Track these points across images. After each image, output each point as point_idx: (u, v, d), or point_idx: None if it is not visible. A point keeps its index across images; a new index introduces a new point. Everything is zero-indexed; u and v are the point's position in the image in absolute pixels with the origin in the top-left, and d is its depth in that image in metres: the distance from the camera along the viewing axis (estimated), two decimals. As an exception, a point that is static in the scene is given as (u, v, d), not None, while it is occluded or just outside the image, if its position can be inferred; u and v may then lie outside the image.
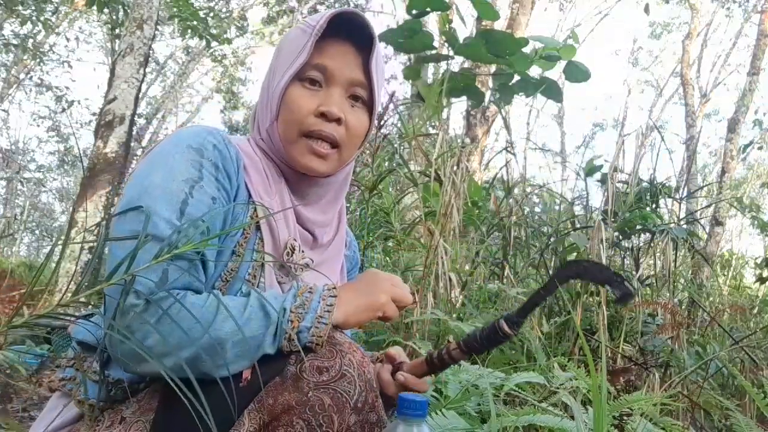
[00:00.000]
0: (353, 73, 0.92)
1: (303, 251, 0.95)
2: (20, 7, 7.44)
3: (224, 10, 11.87)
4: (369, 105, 0.96)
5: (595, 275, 0.89)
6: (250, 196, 0.89)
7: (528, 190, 3.86)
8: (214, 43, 8.60)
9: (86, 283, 0.74)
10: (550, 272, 2.78)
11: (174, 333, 0.74)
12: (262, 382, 0.76)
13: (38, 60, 11.46)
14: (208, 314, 0.75)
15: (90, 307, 0.97)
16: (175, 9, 7.49)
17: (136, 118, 5.11)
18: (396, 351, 1.01)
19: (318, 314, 0.79)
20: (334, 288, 0.84)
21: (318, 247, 1.00)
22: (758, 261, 4.12)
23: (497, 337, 0.91)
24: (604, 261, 2.18)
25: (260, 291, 0.83)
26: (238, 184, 0.88)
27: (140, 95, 4.57)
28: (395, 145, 2.92)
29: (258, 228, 0.90)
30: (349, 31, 0.92)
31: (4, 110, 13.43)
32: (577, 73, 3.40)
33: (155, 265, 0.75)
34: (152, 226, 0.77)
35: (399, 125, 3.18)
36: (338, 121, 0.91)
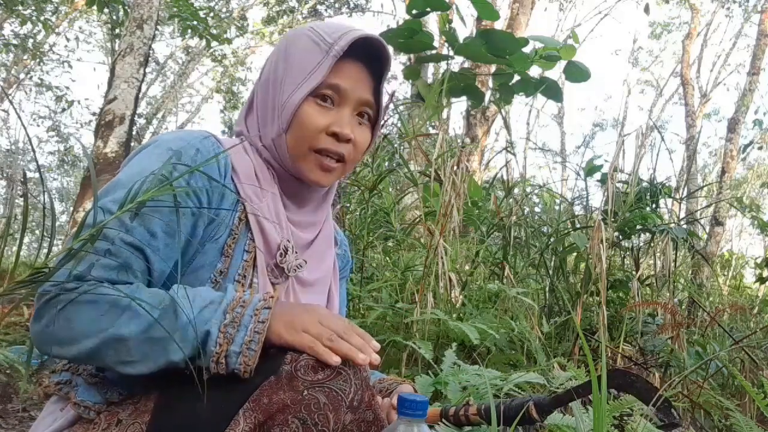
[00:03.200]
0: (364, 95, 0.94)
1: (296, 252, 0.95)
2: (20, 7, 7.44)
3: (224, 10, 11.88)
4: (373, 122, 0.98)
5: (642, 393, 0.87)
6: (238, 199, 0.90)
7: (528, 190, 3.86)
8: (214, 43, 8.60)
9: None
10: (550, 272, 2.78)
11: (79, 321, 0.75)
12: (257, 382, 0.75)
13: (38, 60, 11.46)
14: (117, 308, 0.75)
15: None
16: (175, 9, 7.49)
17: (136, 118, 5.12)
18: (408, 390, 1.02)
19: (248, 338, 0.76)
20: (271, 298, 0.81)
21: (310, 248, 1.01)
22: (758, 261, 4.12)
23: (521, 418, 0.90)
24: (604, 261, 2.18)
25: (189, 289, 0.79)
26: (224, 188, 0.88)
27: (140, 95, 4.57)
28: (395, 145, 2.91)
29: (249, 229, 0.90)
30: (363, 51, 0.93)
31: (4, 110, 13.43)
32: (577, 73, 3.40)
33: (81, 255, 0.76)
34: (98, 216, 0.78)
35: (399, 125, 3.18)
36: (348, 140, 0.93)
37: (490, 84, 4.44)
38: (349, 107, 0.93)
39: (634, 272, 2.69)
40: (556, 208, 3.54)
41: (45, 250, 0.78)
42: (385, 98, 0.97)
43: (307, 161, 0.92)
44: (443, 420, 0.96)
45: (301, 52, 0.93)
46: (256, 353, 0.76)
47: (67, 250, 0.74)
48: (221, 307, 0.78)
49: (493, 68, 3.68)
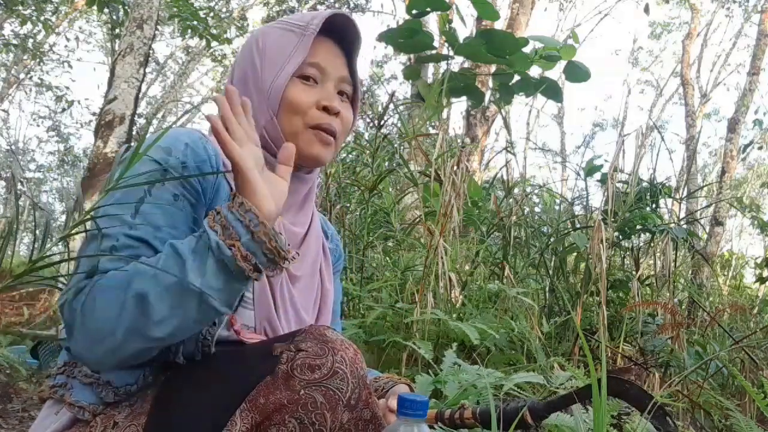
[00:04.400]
0: (342, 71, 0.98)
1: (288, 244, 0.95)
2: (20, 7, 7.44)
3: (224, 10, 11.87)
4: (352, 99, 1.01)
5: (637, 400, 0.87)
6: (231, 191, 0.90)
7: (528, 190, 3.86)
8: (214, 43, 8.59)
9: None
10: (550, 272, 2.78)
11: (100, 307, 0.74)
12: (253, 382, 0.75)
13: (38, 60, 11.46)
14: (123, 281, 0.75)
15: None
16: (175, 9, 7.49)
17: (136, 118, 5.11)
18: (404, 390, 1.02)
19: (242, 219, 0.75)
20: (234, 195, 0.79)
21: (302, 243, 1.01)
22: (758, 261, 4.12)
23: (517, 422, 0.90)
24: (604, 261, 2.18)
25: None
26: (218, 182, 0.89)
27: (140, 95, 4.57)
28: (395, 145, 2.91)
29: None
30: (334, 29, 0.96)
31: (4, 110, 13.43)
32: (577, 73, 3.41)
33: (95, 260, 0.76)
34: (109, 225, 0.79)
35: (399, 125, 3.18)
36: (337, 114, 0.95)
37: (490, 84, 4.44)
38: (331, 84, 0.96)
39: (634, 272, 2.69)
40: (556, 208, 3.54)
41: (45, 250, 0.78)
42: (359, 75, 1.00)
43: (305, 136, 0.94)
44: (438, 423, 0.96)
45: (276, 40, 0.95)
46: (264, 225, 0.75)
47: (63, 241, 0.74)
48: (204, 232, 0.76)
49: (493, 68, 3.68)
